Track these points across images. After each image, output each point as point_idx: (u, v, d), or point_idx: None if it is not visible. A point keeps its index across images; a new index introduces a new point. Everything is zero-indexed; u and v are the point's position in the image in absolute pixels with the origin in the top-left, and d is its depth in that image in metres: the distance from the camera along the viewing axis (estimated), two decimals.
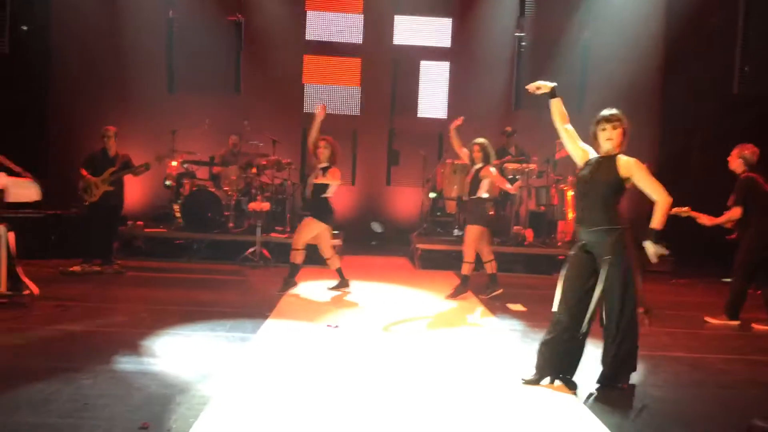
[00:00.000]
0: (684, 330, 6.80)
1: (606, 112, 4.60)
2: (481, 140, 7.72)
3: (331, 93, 12.81)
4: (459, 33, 12.78)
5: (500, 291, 7.79)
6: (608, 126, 4.55)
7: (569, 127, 4.76)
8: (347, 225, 12.06)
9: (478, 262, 7.87)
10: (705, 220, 6.84)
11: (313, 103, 12.61)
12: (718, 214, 6.89)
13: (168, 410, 3.88)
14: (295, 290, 7.72)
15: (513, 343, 5.88)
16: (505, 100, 12.74)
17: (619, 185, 4.54)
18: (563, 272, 4.67)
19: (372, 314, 6.81)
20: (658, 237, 4.51)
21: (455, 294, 7.75)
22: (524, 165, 10.42)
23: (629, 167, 4.50)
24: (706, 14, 11.49)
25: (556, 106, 4.75)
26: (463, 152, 7.89)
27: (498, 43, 12.64)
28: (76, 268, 8.23)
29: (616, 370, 4.63)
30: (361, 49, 12.76)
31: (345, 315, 6.72)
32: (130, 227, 10.31)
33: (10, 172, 6.71)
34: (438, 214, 11.48)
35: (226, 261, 9.57)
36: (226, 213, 10.21)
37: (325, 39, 12.77)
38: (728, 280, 7.24)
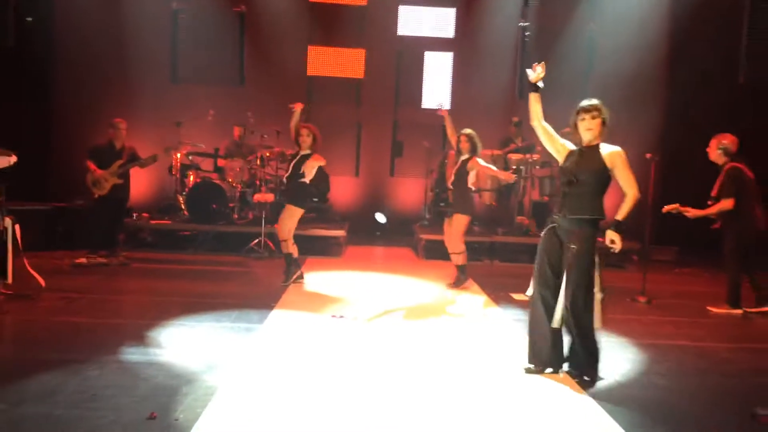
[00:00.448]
0: (688, 319, 6.81)
1: (585, 102, 4.61)
2: (468, 131, 7.69)
3: (335, 84, 12.76)
4: (462, 23, 12.73)
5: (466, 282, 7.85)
6: (587, 116, 4.56)
7: (546, 123, 4.77)
8: (351, 216, 12.09)
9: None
10: (695, 213, 6.86)
11: (317, 94, 12.60)
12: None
13: (175, 401, 3.91)
14: (302, 280, 7.73)
15: (517, 333, 5.89)
16: (509, 89, 12.68)
17: (606, 175, 4.55)
18: (537, 258, 4.73)
19: (376, 304, 6.82)
20: (620, 229, 4.54)
21: (456, 284, 7.79)
22: (527, 155, 10.41)
23: (613, 158, 4.52)
24: (713, 3, 11.43)
25: (536, 100, 4.73)
26: (456, 140, 7.88)
27: (502, 33, 12.55)
28: (82, 260, 8.26)
29: (578, 360, 4.65)
30: (365, 40, 12.71)
31: (349, 305, 6.74)
32: (135, 219, 10.34)
33: None
34: (441, 204, 11.45)
35: (230, 252, 9.60)
36: (231, 204, 10.22)
37: (329, 30, 12.72)
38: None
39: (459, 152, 7.77)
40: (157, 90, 12.09)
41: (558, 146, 4.75)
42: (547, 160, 10.82)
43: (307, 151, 7.62)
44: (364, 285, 7.92)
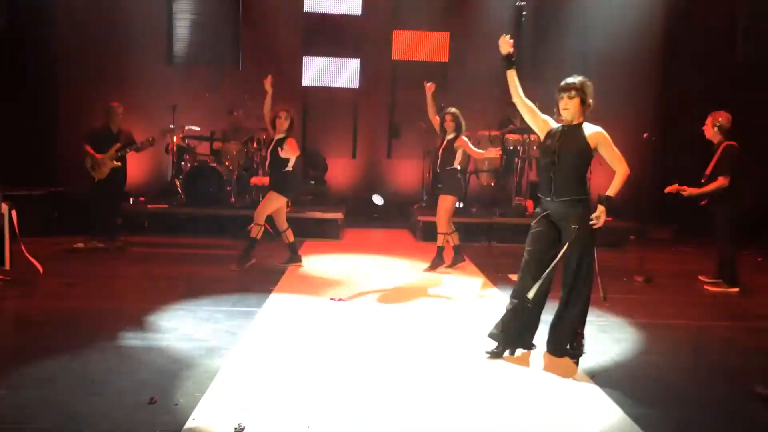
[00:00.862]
0: (687, 298, 6.83)
1: (565, 80, 4.53)
2: (453, 110, 7.65)
3: (331, 66, 12.68)
4: (459, 3, 12.62)
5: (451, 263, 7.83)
6: (564, 95, 4.48)
7: (527, 100, 4.70)
8: (348, 198, 12.06)
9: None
10: (692, 191, 6.87)
11: (313, 76, 12.53)
12: None
13: (175, 385, 3.91)
14: (295, 265, 7.74)
15: None
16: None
17: (588, 155, 4.51)
18: (527, 246, 4.69)
19: (374, 287, 6.83)
20: (610, 204, 4.48)
21: (453, 264, 7.85)
22: (525, 135, 10.38)
23: (596, 138, 4.47)
24: None
25: (512, 77, 4.67)
26: (436, 120, 7.83)
27: (499, 13, 12.46)
28: (80, 245, 8.24)
29: (561, 337, 4.61)
30: (361, 20, 12.60)
31: (348, 288, 6.75)
32: (132, 203, 10.30)
33: None
34: (439, 186, 11.44)
35: (228, 236, 9.57)
36: (228, 188, 10.19)
37: (324, 11, 12.60)
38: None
39: (444, 132, 7.73)
40: (154, 72, 11.97)
41: (540, 123, 4.68)
42: None
43: (282, 135, 7.45)
44: (363, 267, 7.92)
